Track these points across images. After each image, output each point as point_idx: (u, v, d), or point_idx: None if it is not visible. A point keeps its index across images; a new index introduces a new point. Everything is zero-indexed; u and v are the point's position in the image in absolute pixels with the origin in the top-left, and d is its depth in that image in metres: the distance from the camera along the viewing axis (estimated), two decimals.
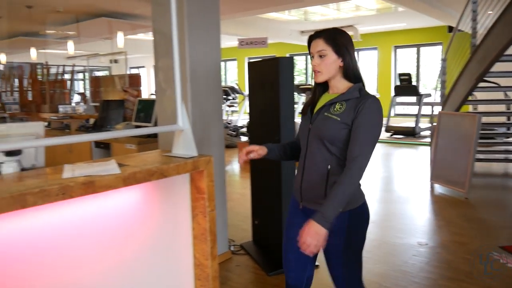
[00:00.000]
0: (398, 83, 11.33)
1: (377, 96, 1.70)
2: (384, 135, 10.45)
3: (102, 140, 4.59)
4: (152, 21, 3.18)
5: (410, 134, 10.18)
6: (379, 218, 4.38)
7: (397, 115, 12.62)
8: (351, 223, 1.74)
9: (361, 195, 1.79)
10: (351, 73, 1.74)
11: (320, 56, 1.73)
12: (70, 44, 8.48)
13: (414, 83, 11.19)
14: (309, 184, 1.78)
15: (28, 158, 1.93)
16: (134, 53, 13.65)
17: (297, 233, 1.64)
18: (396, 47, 13.17)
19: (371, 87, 13.19)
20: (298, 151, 1.90)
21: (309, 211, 1.77)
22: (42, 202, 1.44)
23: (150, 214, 1.95)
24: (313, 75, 1.79)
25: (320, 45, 1.73)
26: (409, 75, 10.70)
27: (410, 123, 10.68)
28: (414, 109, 11.06)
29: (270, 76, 3.02)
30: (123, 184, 1.66)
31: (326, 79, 1.77)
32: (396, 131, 10.41)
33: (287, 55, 14.02)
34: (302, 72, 15.94)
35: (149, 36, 11.92)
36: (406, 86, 10.66)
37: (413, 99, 11.03)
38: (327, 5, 9.25)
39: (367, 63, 13.75)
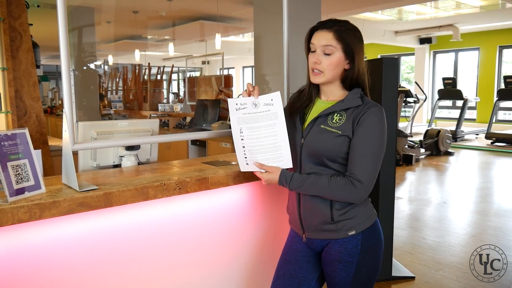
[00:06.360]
0: (502, 86, 10.42)
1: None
2: (484, 142, 9.71)
3: (199, 138, 4.81)
4: (254, 24, 3.26)
5: None
6: (477, 231, 4.06)
7: (499, 121, 11.62)
8: (364, 247, 1.46)
9: (373, 210, 1.53)
10: (354, 80, 1.48)
11: (325, 53, 1.44)
12: (171, 46, 9.01)
13: None
14: (310, 212, 1.50)
15: (144, 153, 2.06)
16: (225, 55, 14.10)
17: (306, 272, 1.55)
18: (502, 47, 12.12)
19: (470, 90, 12.29)
20: None
21: (316, 242, 1.54)
22: (161, 196, 1.53)
23: (259, 212, 1.98)
24: (309, 73, 1.50)
25: (327, 38, 1.43)
26: None
27: None
28: None
29: (371, 78, 2.93)
30: (233, 182, 1.72)
31: (325, 82, 1.49)
32: (498, 138, 9.58)
33: (378, 56, 13.57)
34: None
35: (240, 38, 12.23)
36: None
37: None
38: (424, 3, 8.79)
39: (467, 64, 12.83)
